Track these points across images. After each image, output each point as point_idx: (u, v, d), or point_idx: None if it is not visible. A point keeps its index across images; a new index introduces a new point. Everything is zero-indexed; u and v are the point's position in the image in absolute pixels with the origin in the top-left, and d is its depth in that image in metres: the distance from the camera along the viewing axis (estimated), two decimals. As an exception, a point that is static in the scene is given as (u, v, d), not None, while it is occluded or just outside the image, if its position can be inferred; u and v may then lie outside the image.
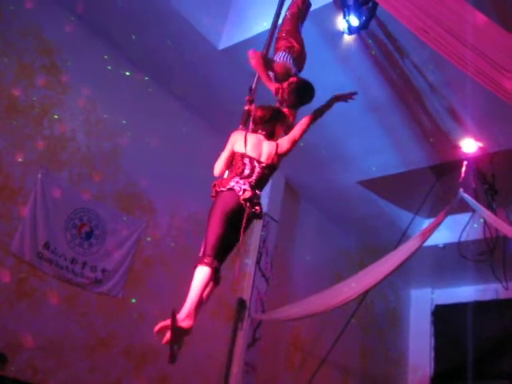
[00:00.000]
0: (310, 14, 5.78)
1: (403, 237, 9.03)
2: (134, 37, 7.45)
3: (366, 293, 8.45)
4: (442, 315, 12.39)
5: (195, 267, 3.88)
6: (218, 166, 4.22)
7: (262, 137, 4.22)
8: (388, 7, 4.09)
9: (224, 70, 7.70)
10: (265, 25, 6.54)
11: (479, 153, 8.23)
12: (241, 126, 4.42)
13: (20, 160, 6.67)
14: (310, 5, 5.43)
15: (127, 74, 7.85)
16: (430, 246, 9.54)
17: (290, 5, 5.26)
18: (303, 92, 4.51)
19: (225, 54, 7.41)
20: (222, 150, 4.21)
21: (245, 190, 3.93)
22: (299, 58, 4.86)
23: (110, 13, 7.26)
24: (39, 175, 6.79)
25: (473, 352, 10.97)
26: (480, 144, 8.08)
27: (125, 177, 7.73)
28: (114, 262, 7.36)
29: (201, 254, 3.92)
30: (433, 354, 12.15)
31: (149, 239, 7.85)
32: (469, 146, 8.15)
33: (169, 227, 8.17)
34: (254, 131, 4.31)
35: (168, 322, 3.66)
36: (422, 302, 12.84)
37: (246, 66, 7.42)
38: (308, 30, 5.31)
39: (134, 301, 7.48)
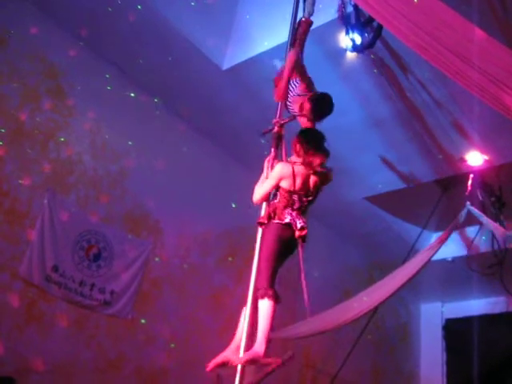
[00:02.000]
0: (313, 31, 5.80)
1: (411, 251, 8.99)
2: (139, 60, 7.50)
3: (376, 308, 8.39)
4: (453, 329, 12.30)
5: (258, 299, 3.92)
6: (260, 197, 4.26)
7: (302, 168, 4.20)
8: (386, 25, 4.11)
9: (228, 90, 7.75)
10: (266, 44, 6.60)
11: (485, 166, 8.21)
12: (273, 150, 4.40)
13: (27, 183, 6.70)
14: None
15: (132, 95, 7.89)
16: (439, 260, 9.46)
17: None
18: (322, 105, 4.53)
19: (228, 73, 7.46)
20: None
21: (303, 228, 4.08)
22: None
23: (114, 36, 7.32)
24: (46, 198, 6.82)
25: (485, 365, 10.87)
26: (486, 157, 8.06)
27: (131, 198, 7.75)
28: (123, 284, 7.36)
29: (260, 286, 3.95)
30: (445, 369, 12.04)
31: (157, 259, 7.85)
32: (474, 159, 8.14)
33: (176, 248, 8.17)
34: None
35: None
36: (433, 316, 12.74)
37: (250, 85, 7.55)
38: (310, 48, 5.33)
39: (143, 321, 7.46)
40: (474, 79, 3.39)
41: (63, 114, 7.22)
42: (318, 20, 6.12)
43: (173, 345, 7.43)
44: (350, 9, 6.29)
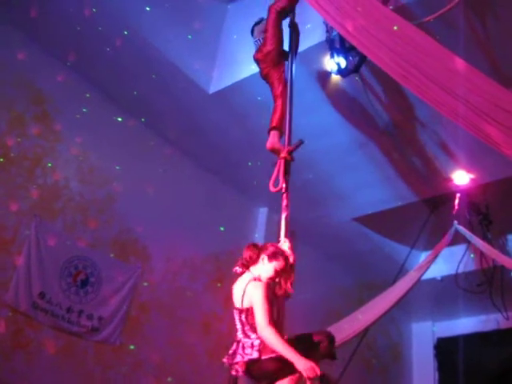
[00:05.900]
0: (299, 53, 5.84)
1: (401, 271, 9.00)
2: (126, 84, 7.51)
3: (368, 329, 8.38)
4: (445, 348, 12.27)
5: None
6: None
7: None
8: (367, 53, 4.15)
9: (215, 114, 7.77)
10: (253, 68, 6.64)
11: (471, 184, 8.27)
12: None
13: (14, 209, 6.63)
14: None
15: (119, 120, 7.88)
16: (428, 279, 9.50)
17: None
18: None
19: (215, 97, 7.48)
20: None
21: None
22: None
23: (101, 61, 7.33)
24: (33, 224, 6.76)
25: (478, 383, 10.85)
26: (472, 176, 8.13)
27: (119, 223, 7.70)
28: (111, 309, 7.28)
29: None
30: (437, 388, 12.00)
31: (145, 284, 7.79)
32: (461, 178, 8.20)
33: (164, 272, 8.10)
34: None
35: None
36: (424, 335, 12.72)
37: (237, 108, 7.57)
38: (296, 69, 5.38)
39: (132, 347, 7.38)
40: (454, 108, 3.42)
41: (50, 139, 7.20)
42: (305, 42, 6.19)
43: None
44: (334, 33, 6.35)
